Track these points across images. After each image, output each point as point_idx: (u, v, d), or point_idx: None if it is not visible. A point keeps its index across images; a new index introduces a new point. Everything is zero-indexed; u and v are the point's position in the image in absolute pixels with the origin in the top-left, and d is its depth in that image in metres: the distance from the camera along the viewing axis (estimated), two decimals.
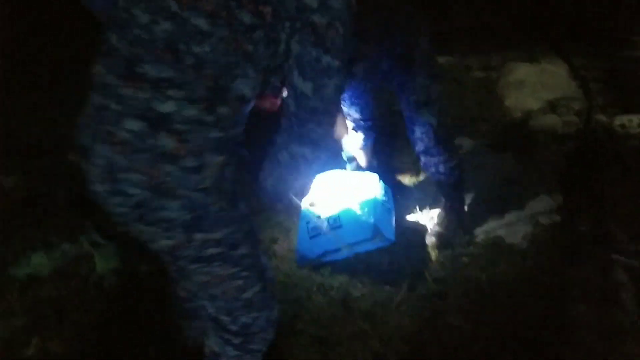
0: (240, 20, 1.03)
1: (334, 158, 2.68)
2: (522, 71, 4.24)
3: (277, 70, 1.16)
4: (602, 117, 3.51)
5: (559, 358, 1.92)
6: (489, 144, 3.28)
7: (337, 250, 2.30)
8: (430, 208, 2.73)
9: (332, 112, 1.20)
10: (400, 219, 2.56)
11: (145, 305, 2.14)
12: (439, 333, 2.02)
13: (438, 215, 2.60)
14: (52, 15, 4.69)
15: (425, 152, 2.35)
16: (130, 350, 1.97)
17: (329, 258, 2.32)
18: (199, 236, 1.16)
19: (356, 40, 1.26)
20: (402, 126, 2.43)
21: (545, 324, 2.03)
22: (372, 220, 2.29)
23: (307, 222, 2.36)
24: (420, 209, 2.74)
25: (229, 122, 1.12)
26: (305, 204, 2.40)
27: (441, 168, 2.39)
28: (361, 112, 2.36)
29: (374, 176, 2.55)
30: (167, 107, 1.03)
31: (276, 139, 1.25)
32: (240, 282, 1.28)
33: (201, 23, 1.01)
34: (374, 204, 2.35)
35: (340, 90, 1.17)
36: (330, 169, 2.59)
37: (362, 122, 2.52)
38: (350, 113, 2.37)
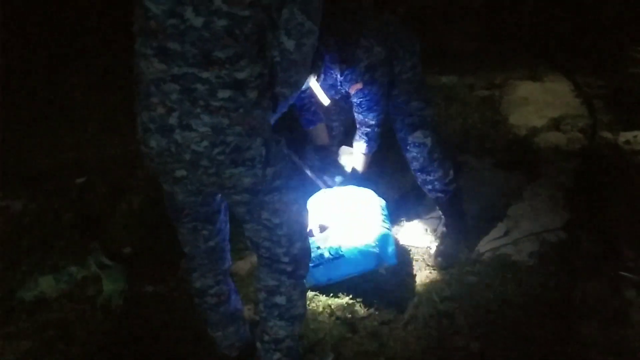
0: (262, 2, 1.39)
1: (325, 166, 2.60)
2: (526, 89, 4.26)
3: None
4: (606, 134, 3.51)
5: None
6: (494, 162, 3.29)
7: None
8: (434, 226, 2.73)
9: (307, 64, 1.57)
10: (404, 237, 2.55)
11: (152, 326, 2.14)
12: (446, 353, 2.01)
13: (441, 234, 2.60)
14: (60, 38, 4.79)
15: (421, 170, 2.41)
16: None
17: (333, 282, 2.29)
18: (269, 171, 1.53)
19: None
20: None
21: (554, 342, 2.01)
22: (376, 250, 2.21)
23: None
24: (424, 227, 2.74)
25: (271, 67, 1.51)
26: None
27: (437, 185, 2.43)
28: (377, 118, 2.30)
29: (370, 193, 2.45)
30: (244, 74, 1.40)
31: None
32: (297, 206, 1.69)
33: (245, 13, 1.36)
34: (374, 229, 2.26)
35: (313, 48, 1.53)
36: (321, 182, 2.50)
37: (376, 129, 2.36)
38: (367, 119, 2.30)
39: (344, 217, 2.31)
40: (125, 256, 2.55)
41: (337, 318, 2.17)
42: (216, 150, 1.45)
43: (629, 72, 4.36)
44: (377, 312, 2.21)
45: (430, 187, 2.45)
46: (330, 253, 2.23)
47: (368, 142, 2.36)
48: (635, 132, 3.43)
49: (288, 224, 1.67)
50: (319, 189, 2.50)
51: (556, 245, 2.53)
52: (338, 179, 2.54)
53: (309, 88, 2.20)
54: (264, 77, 1.47)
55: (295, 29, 1.46)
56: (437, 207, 2.59)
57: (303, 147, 2.64)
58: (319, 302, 2.24)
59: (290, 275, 1.73)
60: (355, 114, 2.33)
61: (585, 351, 1.97)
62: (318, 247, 2.24)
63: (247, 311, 2.10)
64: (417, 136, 2.34)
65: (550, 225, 2.67)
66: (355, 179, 2.50)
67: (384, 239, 2.25)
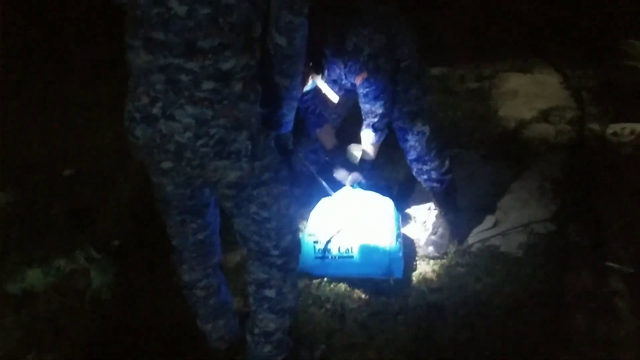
0: None
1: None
2: (515, 81, 4.28)
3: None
4: (594, 126, 3.54)
5: None
6: (483, 154, 3.31)
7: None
8: (425, 217, 2.74)
9: (301, 55, 1.56)
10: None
11: (141, 319, 2.14)
12: (435, 343, 2.02)
13: (433, 225, 2.61)
14: (55, 30, 4.74)
15: (418, 159, 2.41)
16: None
17: (328, 276, 2.31)
18: (257, 164, 1.53)
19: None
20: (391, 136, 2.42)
21: (542, 333, 2.03)
22: (386, 261, 2.22)
23: (315, 242, 2.28)
24: (415, 218, 2.75)
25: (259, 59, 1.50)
26: (313, 222, 2.35)
27: (433, 175, 2.43)
28: (383, 106, 2.27)
29: (389, 202, 2.42)
30: (228, 65, 1.40)
31: None
32: (287, 199, 1.68)
33: (229, 1, 1.36)
34: (390, 240, 2.25)
35: (305, 39, 1.52)
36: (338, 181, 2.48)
37: (384, 119, 2.30)
38: (374, 108, 2.27)
39: (360, 221, 2.30)
40: (114, 249, 2.54)
41: (327, 310, 2.18)
42: (200, 142, 1.44)
43: (618, 64, 4.37)
44: (366, 304, 2.22)
45: (426, 176, 2.45)
46: (339, 251, 2.25)
47: (376, 131, 2.30)
48: (623, 124, 3.45)
49: (277, 218, 1.66)
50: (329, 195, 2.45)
51: (545, 237, 2.55)
52: (352, 177, 2.47)
53: (315, 88, 2.19)
54: (250, 69, 1.46)
55: (284, 27, 1.46)
56: (431, 198, 2.59)
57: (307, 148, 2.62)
58: (308, 294, 2.25)
59: (280, 268, 1.73)
60: (362, 105, 2.28)
61: (573, 341, 1.99)
62: (328, 241, 2.26)
63: (237, 303, 2.09)
64: (416, 125, 2.33)
65: (538, 216, 2.69)
66: (365, 170, 2.45)
67: (396, 253, 2.26)
